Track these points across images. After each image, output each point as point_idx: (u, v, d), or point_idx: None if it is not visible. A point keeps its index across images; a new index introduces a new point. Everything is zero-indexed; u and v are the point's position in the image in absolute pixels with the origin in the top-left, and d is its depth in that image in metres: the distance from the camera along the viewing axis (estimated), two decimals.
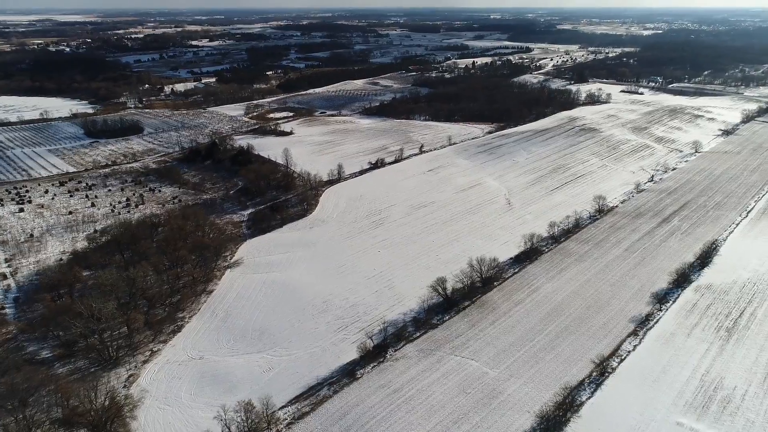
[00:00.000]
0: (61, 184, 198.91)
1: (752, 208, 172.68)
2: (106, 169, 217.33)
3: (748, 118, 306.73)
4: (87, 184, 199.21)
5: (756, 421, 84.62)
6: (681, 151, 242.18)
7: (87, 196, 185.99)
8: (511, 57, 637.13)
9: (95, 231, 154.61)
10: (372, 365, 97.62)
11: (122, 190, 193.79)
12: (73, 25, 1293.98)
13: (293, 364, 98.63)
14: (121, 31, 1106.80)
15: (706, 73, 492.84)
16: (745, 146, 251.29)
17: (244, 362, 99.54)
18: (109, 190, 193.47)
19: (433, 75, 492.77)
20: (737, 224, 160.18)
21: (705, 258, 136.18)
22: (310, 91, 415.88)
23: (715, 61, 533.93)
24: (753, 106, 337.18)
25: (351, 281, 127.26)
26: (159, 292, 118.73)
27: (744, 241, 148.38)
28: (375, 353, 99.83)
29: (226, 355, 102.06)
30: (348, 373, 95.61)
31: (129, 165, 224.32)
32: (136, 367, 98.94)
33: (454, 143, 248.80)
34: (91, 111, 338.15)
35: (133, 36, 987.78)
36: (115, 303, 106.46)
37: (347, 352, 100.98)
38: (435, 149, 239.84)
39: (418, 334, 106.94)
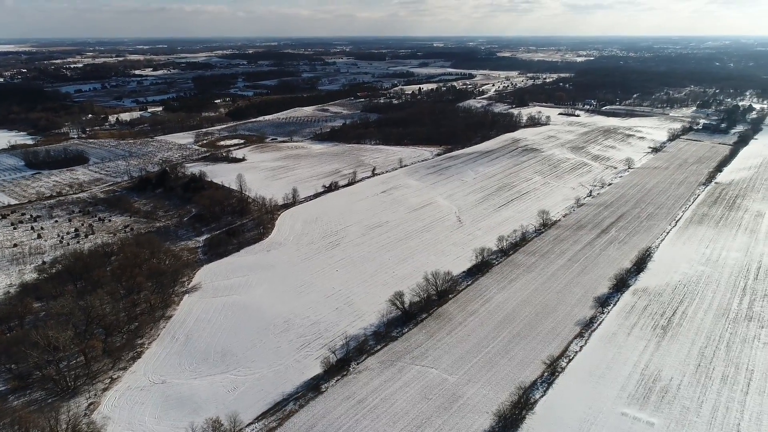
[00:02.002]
0: (3, 216, 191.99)
1: (680, 218, 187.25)
2: (52, 200, 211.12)
3: (673, 137, 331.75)
4: (31, 215, 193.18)
5: (690, 407, 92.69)
6: (615, 168, 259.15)
7: (32, 228, 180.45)
8: (455, 83, 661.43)
9: (43, 262, 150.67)
10: (336, 379, 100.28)
11: (70, 220, 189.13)
12: (6, 55, 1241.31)
13: (258, 382, 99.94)
14: (58, 61, 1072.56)
15: (635, 96, 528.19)
16: (672, 162, 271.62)
17: (208, 384, 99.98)
18: (56, 221, 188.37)
19: (382, 101, 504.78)
20: (668, 232, 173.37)
21: (640, 264, 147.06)
22: (260, 118, 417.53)
23: (642, 85, 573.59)
24: (677, 126, 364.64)
25: (311, 300, 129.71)
26: (116, 319, 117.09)
27: (674, 248, 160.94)
28: (338, 367, 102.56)
29: (189, 377, 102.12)
30: (313, 388, 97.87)
31: (75, 195, 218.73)
32: (95, 395, 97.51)
33: (405, 165, 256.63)
34: (31, 142, 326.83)
35: (71, 65, 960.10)
36: (72, 332, 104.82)
37: (311, 367, 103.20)
38: (387, 171, 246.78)
39: (379, 347, 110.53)
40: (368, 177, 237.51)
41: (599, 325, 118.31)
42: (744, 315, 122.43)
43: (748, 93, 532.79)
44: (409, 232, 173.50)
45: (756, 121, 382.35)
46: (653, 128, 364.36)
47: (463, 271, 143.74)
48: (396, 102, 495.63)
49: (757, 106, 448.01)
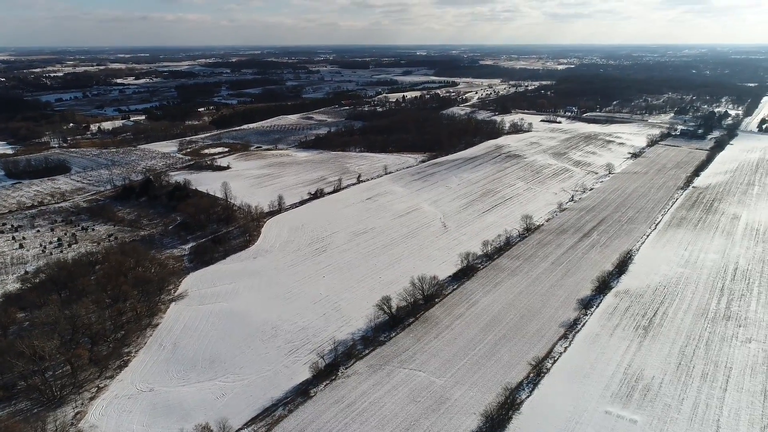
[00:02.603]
0: None
1: (659, 221, 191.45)
2: (33, 210, 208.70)
3: (652, 142, 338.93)
4: (12, 225, 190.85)
5: (671, 404, 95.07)
6: (596, 173, 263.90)
7: (14, 238, 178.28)
8: (438, 91, 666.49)
9: (26, 272, 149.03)
10: (325, 383, 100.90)
11: (52, 230, 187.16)
12: None
13: (247, 388, 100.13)
14: (38, 70, 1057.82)
15: (615, 102, 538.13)
16: (651, 167, 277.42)
17: (197, 390, 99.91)
18: (38, 231, 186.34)
19: (366, 109, 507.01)
20: (648, 235, 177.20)
21: (622, 266, 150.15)
22: (245, 126, 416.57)
23: (622, 92, 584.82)
24: (656, 132, 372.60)
25: (298, 306, 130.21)
26: (102, 328, 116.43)
27: (654, 250, 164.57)
28: (327, 372, 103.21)
29: (177, 385, 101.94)
30: (302, 393, 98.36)
31: (58, 205, 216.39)
32: (82, 404, 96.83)
33: (390, 172, 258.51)
34: (10, 151, 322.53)
35: (51, 74, 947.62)
36: (57, 341, 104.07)
37: (300, 372, 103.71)
38: (372, 178, 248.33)
39: (367, 351, 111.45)
40: (353, 184, 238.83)
41: (583, 326, 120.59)
42: (722, 315, 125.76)
43: (723, 100, 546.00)
44: (395, 238, 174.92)
45: (731, 127, 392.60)
46: (633, 134, 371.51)
47: (449, 276, 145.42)
48: (380, 110, 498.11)
49: (733, 113, 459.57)
